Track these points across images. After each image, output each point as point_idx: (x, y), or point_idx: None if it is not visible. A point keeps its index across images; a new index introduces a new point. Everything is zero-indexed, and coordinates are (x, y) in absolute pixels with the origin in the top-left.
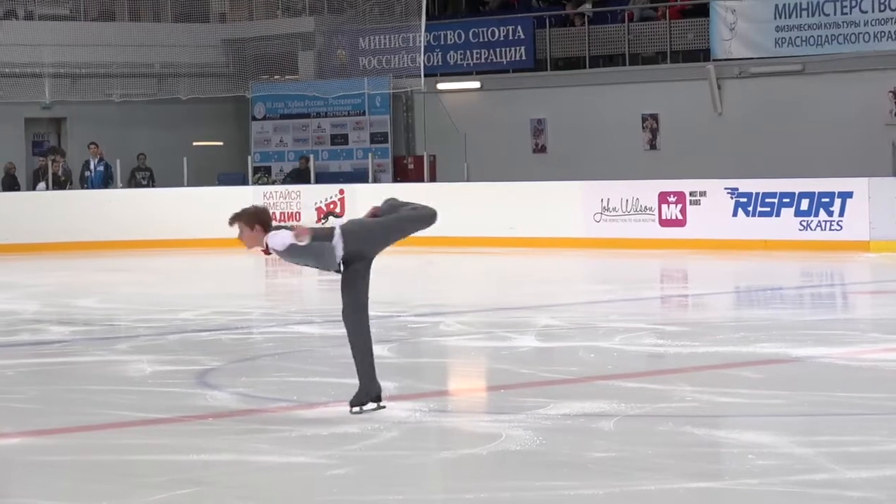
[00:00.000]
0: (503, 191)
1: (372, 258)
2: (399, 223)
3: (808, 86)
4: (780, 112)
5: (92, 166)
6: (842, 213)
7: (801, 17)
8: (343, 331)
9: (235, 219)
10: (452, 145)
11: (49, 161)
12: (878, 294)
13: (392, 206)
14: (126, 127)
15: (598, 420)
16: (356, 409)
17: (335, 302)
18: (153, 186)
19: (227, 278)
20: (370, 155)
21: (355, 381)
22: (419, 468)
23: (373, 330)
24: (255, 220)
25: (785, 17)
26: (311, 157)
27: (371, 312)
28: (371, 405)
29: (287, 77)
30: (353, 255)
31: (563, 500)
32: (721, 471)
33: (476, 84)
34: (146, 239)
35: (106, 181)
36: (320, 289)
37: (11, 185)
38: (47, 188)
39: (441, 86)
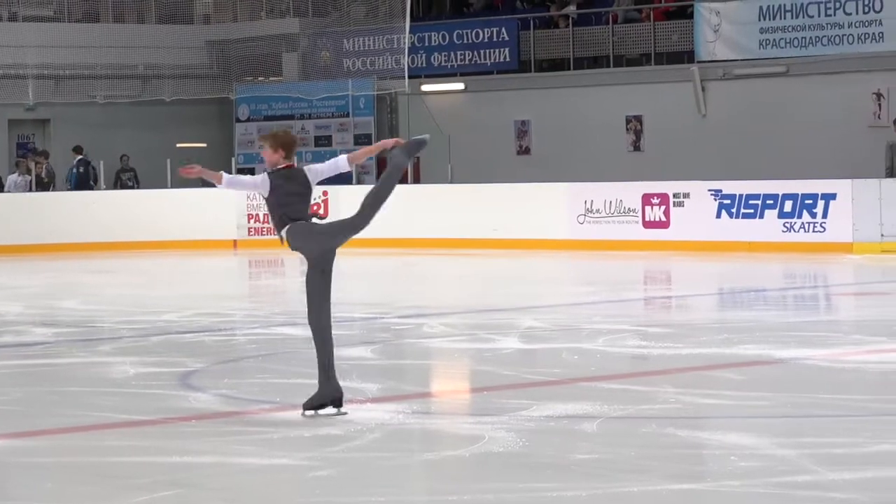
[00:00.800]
0: (487, 193)
1: (320, 257)
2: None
3: (791, 87)
4: (764, 114)
5: (73, 167)
6: (825, 215)
7: (785, 18)
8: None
9: (263, 139)
10: (436, 147)
11: (33, 163)
12: (862, 296)
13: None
14: (110, 128)
15: (582, 422)
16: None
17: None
18: (138, 187)
19: (210, 280)
20: None
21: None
22: (401, 470)
23: (356, 331)
24: (279, 144)
25: (769, 19)
26: (295, 158)
27: (354, 313)
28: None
29: (271, 79)
30: (301, 250)
31: (546, 501)
32: (704, 472)
33: (460, 85)
34: (130, 240)
35: (83, 182)
36: (303, 290)
37: None
38: (29, 189)
39: (425, 87)
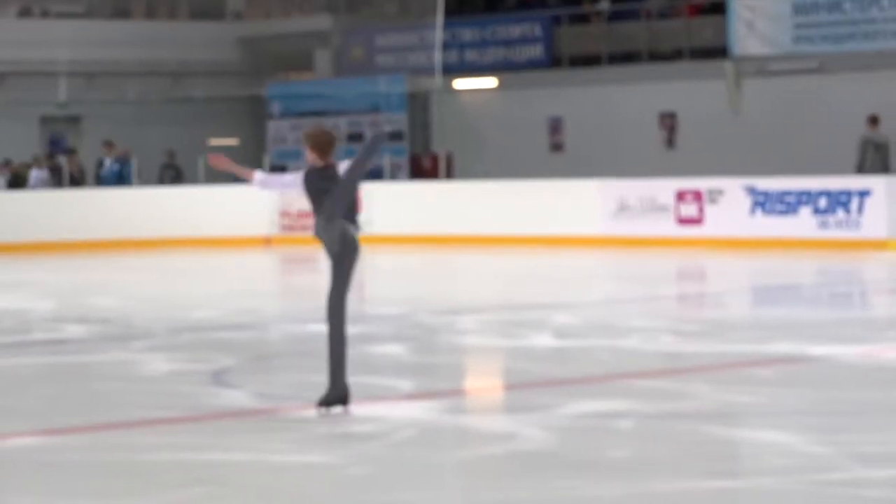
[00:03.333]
0: (520, 189)
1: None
2: None
3: (826, 83)
4: (798, 110)
5: (107, 165)
6: (860, 212)
7: (819, 14)
8: (361, 328)
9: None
10: (469, 143)
11: (65, 159)
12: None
13: None
14: (142, 125)
15: (616, 419)
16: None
17: (352, 300)
18: (180, 184)
19: (243, 277)
20: (386, 153)
21: (371, 381)
22: (435, 468)
23: (389, 328)
24: (311, 145)
25: (803, 15)
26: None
27: (387, 310)
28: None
29: (303, 75)
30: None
31: (580, 500)
32: (739, 470)
33: (493, 82)
34: (162, 237)
35: (120, 180)
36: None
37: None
38: (60, 185)
39: (458, 84)
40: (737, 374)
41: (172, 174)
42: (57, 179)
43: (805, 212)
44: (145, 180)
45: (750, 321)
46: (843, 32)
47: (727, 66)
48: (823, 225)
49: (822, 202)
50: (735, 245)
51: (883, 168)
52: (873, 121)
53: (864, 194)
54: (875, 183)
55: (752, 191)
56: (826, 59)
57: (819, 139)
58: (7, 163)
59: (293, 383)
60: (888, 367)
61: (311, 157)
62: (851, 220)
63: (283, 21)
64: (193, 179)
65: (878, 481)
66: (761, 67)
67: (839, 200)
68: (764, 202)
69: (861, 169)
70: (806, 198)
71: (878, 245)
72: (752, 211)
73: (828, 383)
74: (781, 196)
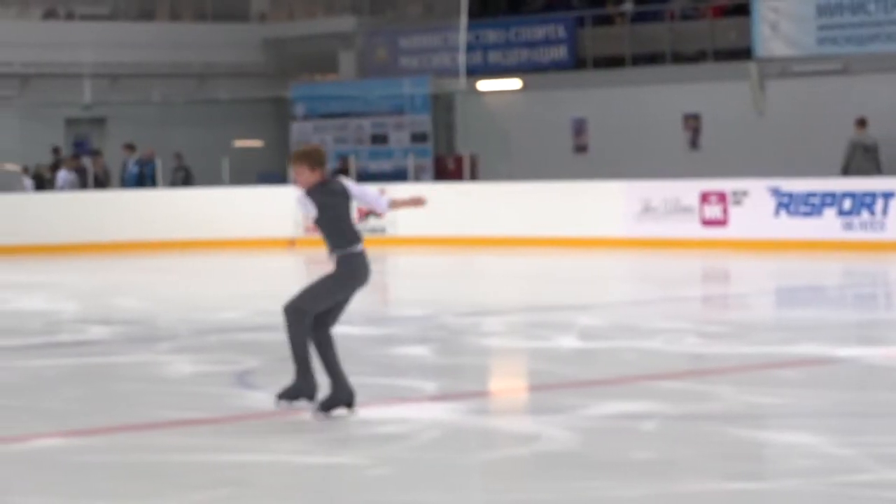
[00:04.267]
0: (544, 190)
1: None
2: None
3: (850, 85)
4: (823, 111)
5: (129, 166)
6: (885, 213)
7: (843, 15)
8: (386, 330)
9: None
10: (493, 145)
11: (90, 161)
12: None
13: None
14: (166, 127)
15: (640, 421)
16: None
17: (375, 302)
18: (190, 185)
19: (267, 278)
20: (410, 155)
21: (395, 382)
22: (459, 469)
23: (413, 330)
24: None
25: (827, 16)
26: (351, 156)
27: (411, 312)
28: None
29: (327, 77)
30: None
31: (605, 501)
32: (763, 471)
33: (517, 83)
34: (186, 239)
35: (141, 181)
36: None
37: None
38: (85, 187)
39: (482, 85)
40: (761, 375)
41: (182, 175)
42: (82, 181)
43: (829, 213)
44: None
45: (774, 323)
46: (866, 33)
47: (751, 67)
48: (848, 226)
49: (847, 203)
50: (759, 246)
51: (876, 170)
52: (861, 123)
53: (888, 196)
54: None
55: (776, 192)
56: (850, 60)
57: (843, 140)
58: (26, 169)
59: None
60: None
61: (313, 177)
62: (876, 222)
63: (308, 23)
64: (218, 180)
65: None
66: (785, 69)
67: (863, 202)
68: (788, 203)
69: (846, 171)
70: (830, 199)
71: None
72: (777, 212)
73: (853, 385)
74: (806, 197)
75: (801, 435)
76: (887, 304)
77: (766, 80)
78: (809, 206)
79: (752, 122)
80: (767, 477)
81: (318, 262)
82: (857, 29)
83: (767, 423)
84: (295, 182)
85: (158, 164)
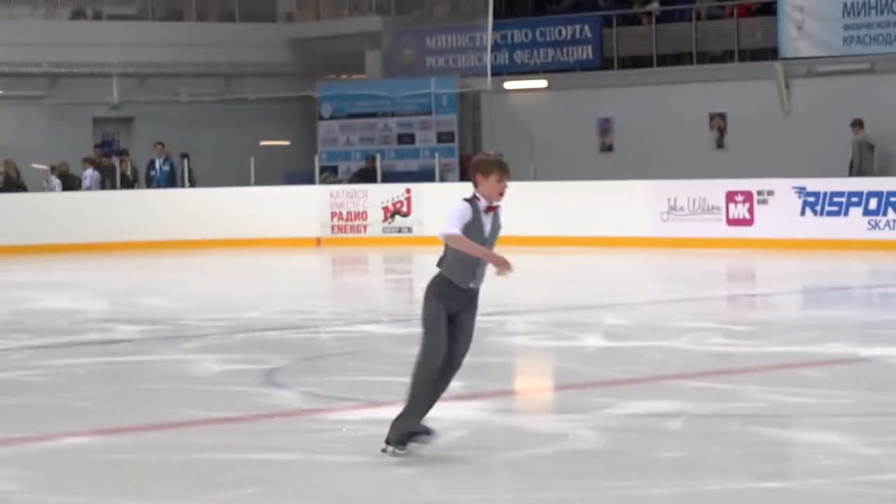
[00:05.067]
0: (570, 190)
1: None
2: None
3: (876, 84)
4: (849, 111)
5: (157, 166)
6: None
7: (869, 15)
8: (412, 329)
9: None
10: (519, 144)
11: (118, 160)
12: None
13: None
14: (193, 126)
15: (666, 420)
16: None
17: (402, 301)
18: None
19: (294, 277)
20: (436, 154)
21: None
22: (485, 468)
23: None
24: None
25: (853, 16)
26: (378, 156)
27: None
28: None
29: (354, 76)
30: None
31: (630, 499)
32: (788, 471)
33: (543, 83)
34: (213, 238)
35: (171, 180)
36: (387, 288)
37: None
38: (113, 186)
39: (508, 85)
40: (786, 375)
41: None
42: (110, 181)
43: (855, 213)
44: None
45: (800, 322)
46: (893, 33)
47: (777, 67)
48: (874, 226)
49: (873, 203)
50: (785, 246)
51: (880, 168)
52: (859, 124)
53: None
54: None
55: (802, 192)
56: (876, 60)
57: (869, 140)
58: (53, 169)
59: (344, 384)
60: None
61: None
62: None
63: (334, 22)
64: (245, 180)
65: None
66: (811, 68)
67: (889, 201)
68: (814, 203)
69: (858, 171)
70: (857, 199)
71: None
72: (803, 212)
73: (878, 385)
74: (831, 197)
75: (826, 434)
76: None
77: (791, 79)
78: (835, 205)
79: (777, 122)
80: (792, 476)
81: (344, 262)
82: (883, 28)
83: (792, 423)
84: (490, 195)
85: (185, 163)
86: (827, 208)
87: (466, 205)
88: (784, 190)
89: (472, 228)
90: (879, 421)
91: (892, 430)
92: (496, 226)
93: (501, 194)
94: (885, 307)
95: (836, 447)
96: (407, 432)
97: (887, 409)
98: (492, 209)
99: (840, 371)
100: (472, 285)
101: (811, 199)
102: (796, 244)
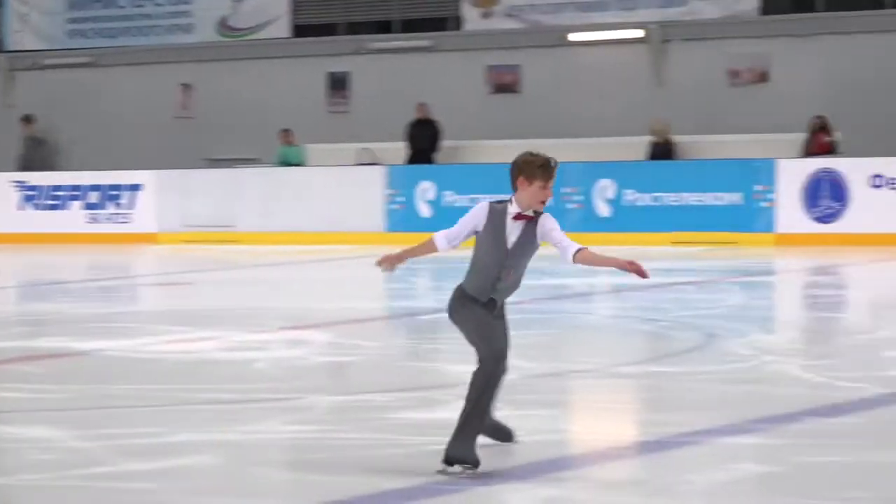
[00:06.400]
0: None
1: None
2: None
3: (101, 78)
4: (74, 104)
5: None
6: (131, 206)
7: (94, 9)
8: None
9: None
10: None
11: None
12: (166, 286)
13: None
14: None
15: None
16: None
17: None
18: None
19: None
20: None
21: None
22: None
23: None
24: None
25: (78, 9)
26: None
27: None
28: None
29: None
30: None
31: None
32: (2, 466)
33: None
34: None
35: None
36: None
37: None
38: None
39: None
40: (2, 371)
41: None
42: None
43: (76, 206)
44: None
45: (15, 317)
46: (117, 27)
47: (1, 60)
48: (94, 219)
49: (94, 197)
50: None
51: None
52: (28, 120)
53: (135, 188)
54: (146, 177)
55: (21, 185)
56: (100, 54)
57: (95, 133)
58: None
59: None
60: (152, 360)
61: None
62: (123, 214)
63: None
64: None
65: (142, 474)
66: (37, 61)
67: (111, 195)
68: (34, 197)
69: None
70: (79, 192)
71: (149, 238)
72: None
73: (95, 378)
74: (52, 191)
75: (40, 429)
76: (132, 297)
77: (17, 72)
78: (58, 199)
79: None
80: (4, 472)
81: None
82: (107, 23)
83: (8, 419)
84: (528, 203)
85: None
86: (47, 202)
87: (485, 207)
88: (1, 183)
89: (487, 237)
90: (96, 414)
91: (107, 424)
92: (528, 240)
93: (543, 202)
94: (103, 300)
95: (51, 441)
96: (471, 454)
97: (102, 402)
98: (524, 217)
99: (56, 365)
100: (492, 297)
101: (32, 192)
102: (13, 238)
